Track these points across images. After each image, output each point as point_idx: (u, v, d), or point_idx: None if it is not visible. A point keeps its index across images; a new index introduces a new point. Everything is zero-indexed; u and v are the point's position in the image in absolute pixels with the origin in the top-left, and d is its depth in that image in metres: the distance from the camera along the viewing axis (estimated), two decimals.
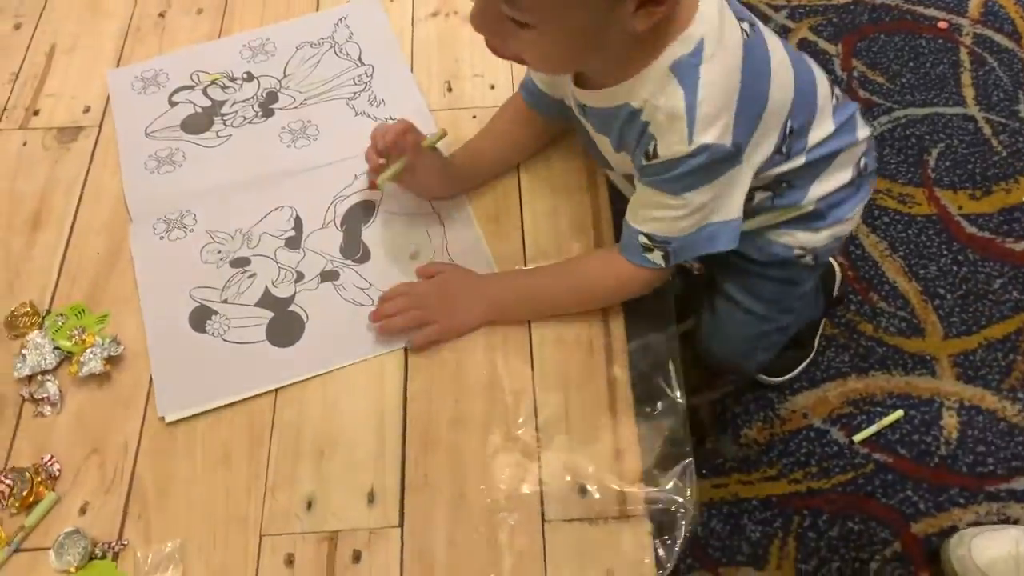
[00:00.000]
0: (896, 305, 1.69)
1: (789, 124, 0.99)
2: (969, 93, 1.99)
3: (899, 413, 1.56)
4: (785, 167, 1.04)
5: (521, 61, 0.92)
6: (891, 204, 1.82)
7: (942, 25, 2.10)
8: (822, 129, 1.06)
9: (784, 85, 0.98)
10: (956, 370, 1.62)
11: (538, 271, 1.05)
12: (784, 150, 1.02)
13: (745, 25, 0.93)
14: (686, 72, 0.88)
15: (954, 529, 1.45)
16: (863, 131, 1.13)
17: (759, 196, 1.07)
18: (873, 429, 1.54)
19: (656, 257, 0.98)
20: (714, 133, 0.89)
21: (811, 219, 1.13)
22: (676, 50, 0.88)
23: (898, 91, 1.99)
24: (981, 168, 1.87)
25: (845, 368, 1.62)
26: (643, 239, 0.97)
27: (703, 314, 1.31)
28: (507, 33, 0.85)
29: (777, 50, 0.98)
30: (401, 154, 1.04)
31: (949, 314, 1.68)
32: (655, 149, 0.91)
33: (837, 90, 1.10)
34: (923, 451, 1.54)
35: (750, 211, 1.06)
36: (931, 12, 2.12)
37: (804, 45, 2.04)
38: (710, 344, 1.31)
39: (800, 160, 1.05)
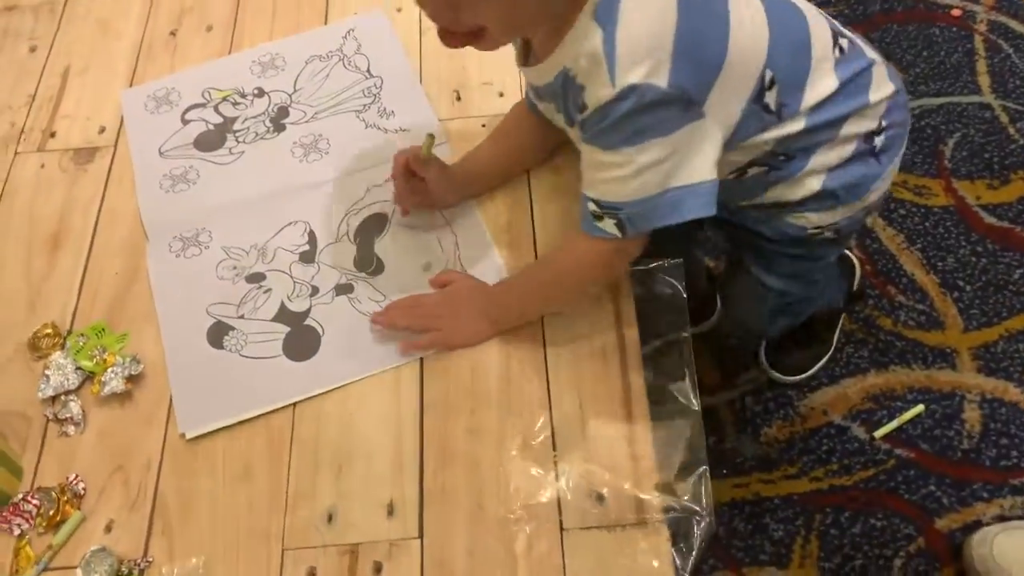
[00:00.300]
0: (915, 298, 1.69)
1: (768, 74, 0.91)
2: (985, 81, 1.98)
3: (920, 408, 1.56)
4: (777, 132, 0.96)
5: (477, 39, 0.86)
6: (907, 196, 1.82)
7: (956, 13, 2.09)
8: (822, 85, 0.96)
9: (751, 27, 0.89)
10: (977, 363, 1.61)
11: (525, 270, 1.04)
12: (772, 107, 0.94)
13: None
14: (605, 10, 0.82)
15: (978, 524, 1.45)
16: (880, 91, 1.02)
17: (753, 171, 1.00)
18: (894, 424, 1.54)
19: (608, 226, 0.91)
20: (640, 72, 0.81)
21: (823, 199, 1.06)
22: None
23: (912, 81, 1.98)
24: (999, 157, 1.87)
25: (864, 364, 1.62)
26: (592, 206, 0.91)
27: (727, 284, 1.28)
28: (461, 4, 0.81)
29: None
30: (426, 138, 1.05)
31: (969, 306, 1.68)
32: (584, 100, 0.86)
33: (844, 41, 0.99)
34: (945, 445, 1.54)
35: (746, 190, 1.02)
36: (945, 0, 2.12)
37: None
38: (736, 312, 1.29)
39: (798, 124, 0.96)
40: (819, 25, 0.98)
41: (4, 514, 0.99)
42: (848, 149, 1.02)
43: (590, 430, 0.95)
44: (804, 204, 1.06)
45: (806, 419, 1.57)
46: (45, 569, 0.96)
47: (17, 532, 0.99)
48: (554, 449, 0.94)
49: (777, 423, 1.57)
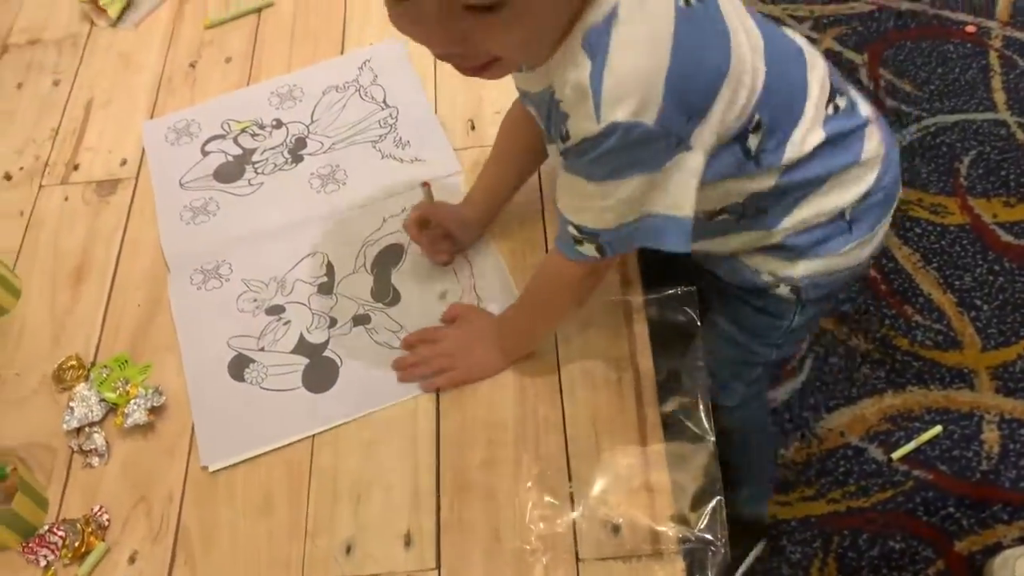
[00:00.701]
0: (931, 318, 1.70)
1: (756, 116, 0.88)
2: (1000, 98, 1.98)
3: (938, 428, 1.57)
4: (752, 182, 0.94)
5: (490, 68, 0.83)
6: (923, 215, 1.82)
7: (970, 29, 2.10)
8: (810, 137, 0.93)
9: (750, 70, 0.86)
10: (995, 383, 1.62)
11: (520, 298, 1.06)
12: (752, 151, 0.91)
13: None
14: (596, 40, 0.79)
15: (999, 546, 1.45)
16: (871, 151, 0.99)
17: (723, 218, 0.98)
18: (912, 446, 1.55)
19: (589, 250, 0.90)
20: (626, 110, 0.78)
21: (781, 249, 1.02)
22: (589, 18, 0.79)
23: (927, 99, 1.99)
24: (1015, 174, 1.87)
25: (881, 384, 1.63)
26: (573, 230, 0.90)
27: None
28: (473, 32, 0.77)
29: (745, 32, 0.87)
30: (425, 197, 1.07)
31: (987, 325, 1.68)
32: (568, 129, 0.84)
33: (844, 100, 0.97)
34: (964, 466, 1.54)
35: (708, 229, 1.00)
36: (959, 16, 2.12)
37: (828, 56, 2.04)
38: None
39: (773, 178, 0.94)
40: (819, 76, 0.95)
41: (31, 545, 1.01)
42: (826, 205, 0.99)
43: (605, 460, 0.96)
44: (762, 249, 1.04)
45: (823, 440, 1.58)
46: None
47: (43, 563, 1.00)
48: (569, 480, 0.95)
49: (794, 445, 1.58)
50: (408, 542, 0.94)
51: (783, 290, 1.07)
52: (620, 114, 0.78)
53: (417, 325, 1.07)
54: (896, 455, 1.54)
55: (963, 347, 1.66)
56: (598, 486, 0.95)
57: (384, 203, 1.17)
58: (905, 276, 1.75)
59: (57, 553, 1.00)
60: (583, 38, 0.79)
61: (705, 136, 0.84)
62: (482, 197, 1.13)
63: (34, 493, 1.03)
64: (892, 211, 1.06)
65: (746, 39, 0.86)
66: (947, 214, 1.82)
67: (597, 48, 0.78)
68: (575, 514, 0.93)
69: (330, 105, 1.29)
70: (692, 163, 0.84)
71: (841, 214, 1.00)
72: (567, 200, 0.89)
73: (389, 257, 1.13)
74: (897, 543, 1.47)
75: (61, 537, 1.01)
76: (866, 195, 1.00)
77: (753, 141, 0.90)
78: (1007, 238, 1.79)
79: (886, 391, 1.62)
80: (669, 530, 0.91)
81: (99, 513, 1.02)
